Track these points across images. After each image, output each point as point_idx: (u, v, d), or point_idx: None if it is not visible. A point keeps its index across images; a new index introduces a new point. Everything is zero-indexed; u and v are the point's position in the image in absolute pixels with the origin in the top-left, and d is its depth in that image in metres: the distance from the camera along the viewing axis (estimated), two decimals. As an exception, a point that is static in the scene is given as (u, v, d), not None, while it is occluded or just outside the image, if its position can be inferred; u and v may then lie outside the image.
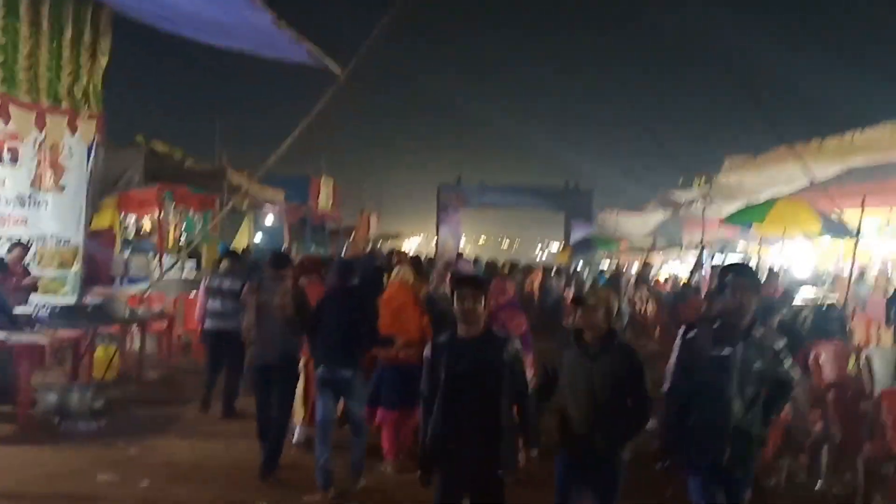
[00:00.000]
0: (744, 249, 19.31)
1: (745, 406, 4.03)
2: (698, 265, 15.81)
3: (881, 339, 11.40)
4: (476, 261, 22.46)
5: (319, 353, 5.97)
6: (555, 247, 72.52)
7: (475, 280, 4.40)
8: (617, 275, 19.20)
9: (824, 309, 11.55)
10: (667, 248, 23.92)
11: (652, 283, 20.29)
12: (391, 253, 12.57)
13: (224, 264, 9.07)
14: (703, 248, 19.78)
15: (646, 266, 23.30)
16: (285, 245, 22.02)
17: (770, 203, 14.00)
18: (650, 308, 15.97)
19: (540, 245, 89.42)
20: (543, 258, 57.88)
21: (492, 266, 18.01)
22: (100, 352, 9.51)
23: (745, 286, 4.17)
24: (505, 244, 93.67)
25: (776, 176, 19.97)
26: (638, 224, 33.12)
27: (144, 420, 8.08)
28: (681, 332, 4.38)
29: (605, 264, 26.99)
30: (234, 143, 21.92)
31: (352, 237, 27.20)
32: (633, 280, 19.26)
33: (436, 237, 40.22)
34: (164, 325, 10.62)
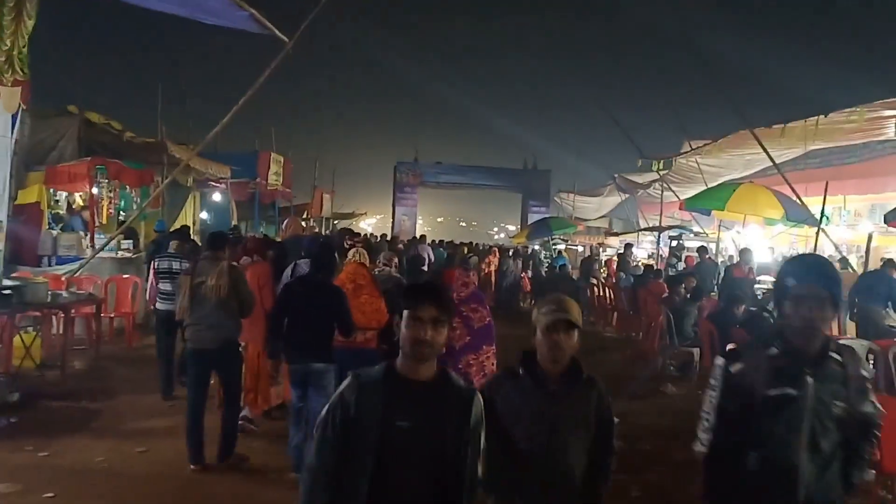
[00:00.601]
0: (701, 233, 19.03)
1: (820, 466, 2.74)
2: (678, 250, 15.44)
3: (844, 331, 11.12)
4: (439, 245, 21.85)
5: (290, 346, 5.71)
6: (511, 228, 72.61)
7: (437, 294, 2.77)
8: (590, 259, 18.70)
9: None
10: (624, 232, 23.58)
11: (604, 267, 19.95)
12: (343, 231, 11.89)
13: (173, 245, 8.80)
14: (660, 233, 19.60)
15: (601, 248, 23.05)
16: (233, 223, 21.18)
17: (730, 187, 13.65)
18: (607, 293, 15.54)
19: (496, 226, 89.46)
20: (500, 239, 57.62)
21: (454, 252, 17.46)
22: (18, 339, 8.69)
23: (815, 297, 2.71)
24: (463, 224, 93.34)
25: (733, 160, 19.84)
26: (594, 206, 32.97)
27: (62, 415, 7.33)
28: (719, 363, 2.91)
29: (560, 246, 26.67)
30: (178, 117, 20.88)
31: (304, 215, 26.38)
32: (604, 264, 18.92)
33: (392, 217, 39.56)
34: (93, 309, 9.81)
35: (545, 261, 23.03)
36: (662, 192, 21.53)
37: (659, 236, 20.75)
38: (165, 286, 8.27)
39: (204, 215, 19.75)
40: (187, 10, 10.63)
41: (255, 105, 12.70)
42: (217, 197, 19.62)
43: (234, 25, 10.77)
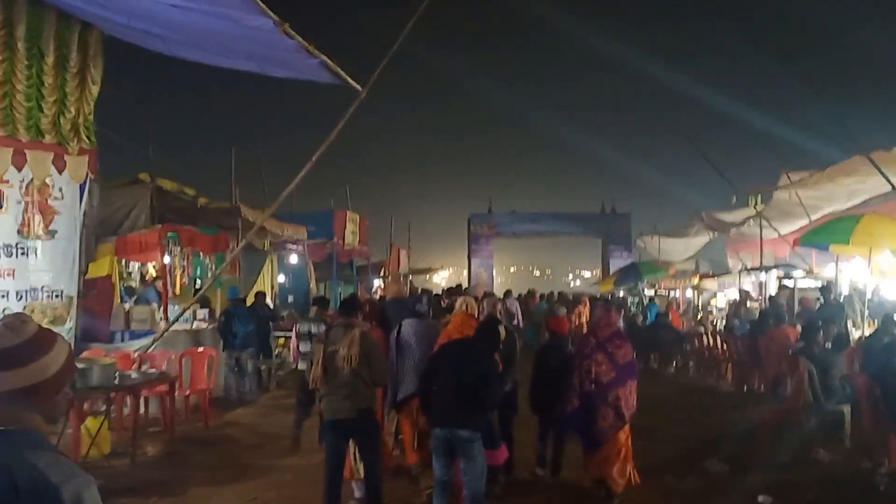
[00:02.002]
0: (810, 271, 17.27)
1: None
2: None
3: None
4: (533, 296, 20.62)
5: (436, 411, 5.47)
6: (587, 275, 70.54)
7: None
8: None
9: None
10: (720, 273, 21.89)
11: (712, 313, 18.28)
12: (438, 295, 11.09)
13: (313, 311, 9.99)
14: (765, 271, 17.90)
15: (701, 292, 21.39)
16: (311, 285, 20.51)
17: (852, 219, 12.09)
18: (717, 342, 14.00)
19: (571, 273, 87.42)
20: (576, 286, 55.90)
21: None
22: (88, 424, 7.90)
23: None
24: (536, 273, 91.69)
25: (836, 191, 18.12)
26: (680, 248, 31.18)
27: (130, 514, 6.43)
28: None
29: (649, 292, 25.08)
30: (253, 180, 20.47)
31: (381, 273, 25.62)
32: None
33: (467, 269, 38.52)
34: (165, 387, 9.00)
35: (633, 308, 21.56)
36: (761, 228, 19.86)
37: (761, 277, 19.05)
38: (305, 346, 9.08)
39: (281, 279, 19.15)
40: (255, 63, 10.00)
41: (329, 162, 11.95)
42: (294, 259, 19.01)
43: (304, 77, 10.06)
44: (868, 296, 12.53)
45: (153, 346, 10.38)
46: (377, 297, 21.38)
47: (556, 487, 7.19)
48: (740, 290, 16.50)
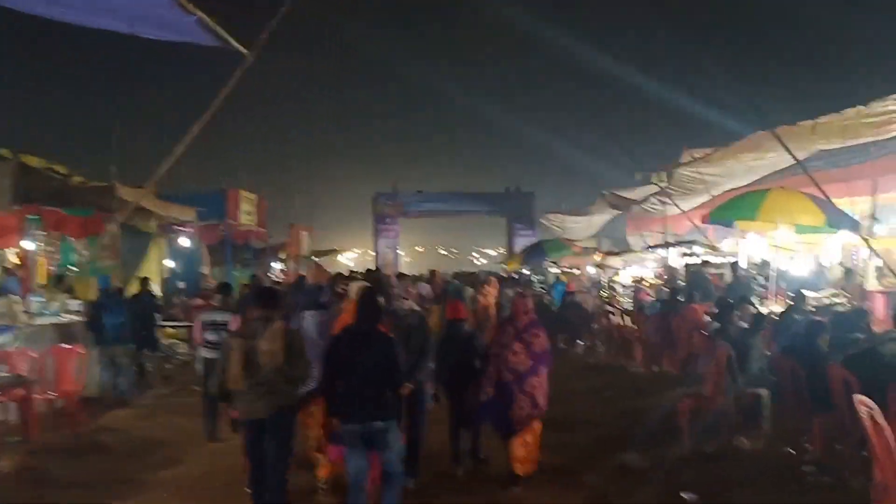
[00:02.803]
0: (711, 246, 17.23)
1: None
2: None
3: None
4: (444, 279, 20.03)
5: (344, 404, 5.19)
6: (492, 254, 70.64)
7: None
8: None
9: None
10: (626, 251, 21.79)
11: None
12: (336, 277, 10.19)
13: (217, 300, 8.76)
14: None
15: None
16: (205, 269, 19.16)
17: (760, 194, 11.89)
18: (626, 321, 13.64)
19: (477, 253, 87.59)
20: (481, 265, 55.80)
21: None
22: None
23: None
24: (443, 252, 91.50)
25: (735, 168, 18.17)
26: (583, 226, 31.19)
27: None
28: None
29: (554, 270, 24.84)
30: (139, 156, 18.85)
31: (282, 255, 24.40)
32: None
33: (374, 250, 37.56)
34: (22, 392, 7.77)
35: (536, 285, 21.19)
36: (665, 205, 19.78)
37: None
38: (212, 336, 7.96)
39: (171, 263, 17.72)
40: (124, 22, 8.73)
41: (222, 139, 10.79)
42: (185, 242, 17.59)
43: (182, 38, 8.87)
44: (772, 272, 12.41)
45: (14, 344, 9.08)
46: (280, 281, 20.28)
47: (475, 479, 6.76)
48: (668, 267, 16.07)
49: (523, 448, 6.32)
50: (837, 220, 11.33)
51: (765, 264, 14.55)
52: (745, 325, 8.47)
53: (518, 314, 6.42)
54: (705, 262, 15.50)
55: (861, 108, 10.73)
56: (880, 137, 14.66)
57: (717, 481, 6.52)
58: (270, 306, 5.43)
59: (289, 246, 24.12)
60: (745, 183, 19.13)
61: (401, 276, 20.03)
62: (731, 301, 9.41)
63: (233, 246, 19.55)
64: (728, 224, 13.24)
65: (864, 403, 5.05)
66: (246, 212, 19.65)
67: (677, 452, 7.26)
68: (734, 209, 12.27)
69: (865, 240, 13.60)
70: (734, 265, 12.38)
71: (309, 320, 6.52)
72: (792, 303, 9.85)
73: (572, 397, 9.91)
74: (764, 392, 7.86)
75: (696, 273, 13.82)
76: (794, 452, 7.12)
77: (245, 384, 5.23)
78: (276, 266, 24.52)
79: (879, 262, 12.01)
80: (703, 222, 12.80)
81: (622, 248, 26.00)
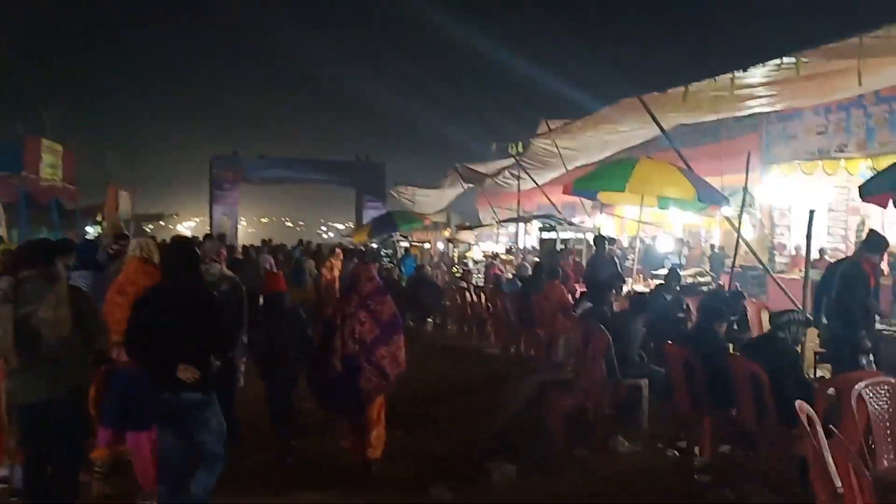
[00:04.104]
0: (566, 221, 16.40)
1: None
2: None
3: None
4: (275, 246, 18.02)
5: (154, 373, 4.41)
6: (340, 227, 68.66)
7: None
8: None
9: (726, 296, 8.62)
10: (480, 224, 20.70)
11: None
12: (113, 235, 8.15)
13: None
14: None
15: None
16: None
17: (628, 164, 10.91)
18: (480, 298, 12.35)
19: (325, 226, 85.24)
20: (329, 239, 53.81)
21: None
22: None
23: None
24: (289, 224, 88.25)
25: (590, 142, 17.51)
26: (433, 199, 30.08)
27: None
28: None
29: (403, 244, 23.46)
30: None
31: (98, 217, 21.40)
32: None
33: (210, 218, 34.60)
34: None
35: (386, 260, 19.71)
36: (519, 178, 18.86)
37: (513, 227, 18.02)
38: None
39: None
40: None
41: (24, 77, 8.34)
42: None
43: None
44: (638, 247, 11.55)
45: None
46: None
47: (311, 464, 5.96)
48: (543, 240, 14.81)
49: (375, 429, 5.85)
50: (707, 194, 10.55)
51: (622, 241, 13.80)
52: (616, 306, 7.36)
53: (360, 281, 5.95)
54: (545, 240, 14.53)
55: (738, 73, 9.93)
56: (741, 113, 14.26)
57: (601, 493, 5.30)
58: (47, 260, 4.51)
59: (106, 207, 21.12)
60: (599, 159, 18.57)
61: (271, 246, 18.04)
62: (603, 278, 8.28)
63: (32, 204, 16.57)
64: (591, 196, 12.23)
65: (802, 410, 3.91)
66: (49, 165, 16.69)
67: (553, 458, 5.98)
68: (600, 179, 11.28)
69: (728, 220, 13.10)
70: (598, 239, 11.36)
71: (80, 283, 5.52)
72: (663, 282, 8.86)
73: (424, 387, 8.47)
74: (644, 383, 6.75)
75: (551, 251, 12.70)
76: (678, 455, 6.04)
77: (19, 362, 4.39)
78: (92, 230, 21.46)
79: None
80: (565, 193, 11.71)
81: (472, 224, 25.05)
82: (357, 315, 5.77)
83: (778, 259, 17.18)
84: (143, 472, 5.09)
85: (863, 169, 15.72)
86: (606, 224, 18.54)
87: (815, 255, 14.41)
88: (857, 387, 4.21)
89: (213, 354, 4.54)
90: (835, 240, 18.02)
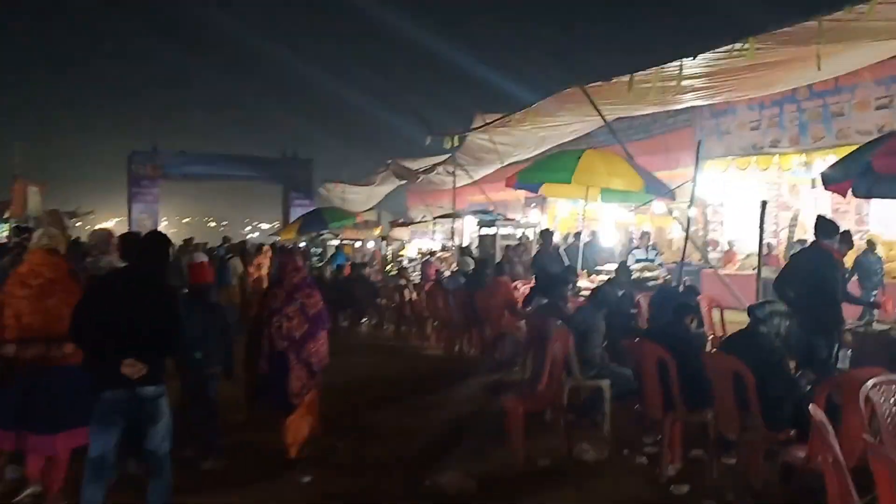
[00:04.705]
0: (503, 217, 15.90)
1: None
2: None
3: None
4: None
5: (105, 368, 4.02)
6: (265, 227, 66.76)
7: None
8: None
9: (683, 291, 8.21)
10: (417, 221, 20.05)
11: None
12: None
13: None
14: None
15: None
16: None
17: (572, 155, 10.44)
18: (420, 296, 11.69)
19: (249, 226, 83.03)
20: (255, 238, 52.25)
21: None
22: None
23: None
24: (212, 224, 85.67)
25: (526, 137, 17.11)
26: (364, 197, 29.24)
27: None
28: None
29: (334, 242, 22.59)
30: None
31: (3, 215, 19.82)
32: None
33: (128, 216, 32.85)
34: None
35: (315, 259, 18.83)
36: (455, 174, 18.31)
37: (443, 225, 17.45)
38: None
39: None
40: None
41: None
42: None
43: None
44: (582, 242, 11.10)
45: None
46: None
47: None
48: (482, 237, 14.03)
49: (298, 427, 5.53)
50: (655, 186, 10.20)
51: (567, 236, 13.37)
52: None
53: (286, 273, 5.66)
54: (484, 236, 13.94)
55: (687, 60, 9.55)
56: (685, 104, 14.01)
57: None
58: None
59: (12, 204, 19.54)
60: (534, 154, 18.17)
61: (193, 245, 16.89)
62: (555, 272, 7.75)
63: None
64: (534, 189, 11.73)
65: (817, 416, 3.40)
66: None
67: (512, 470, 5.37)
68: (545, 170, 10.79)
69: (671, 211, 12.80)
70: (544, 234, 10.85)
71: None
72: (614, 275, 8.39)
73: (362, 390, 7.77)
74: (605, 384, 6.23)
75: (509, 247, 12.08)
76: (647, 462, 5.52)
77: None
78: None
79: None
80: (508, 186, 11.15)
81: (405, 221, 24.37)
82: (284, 310, 5.49)
83: (711, 255, 17.06)
84: (50, 473, 4.68)
85: (795, 164, 15.85)
86: (540, 221, 18.18)
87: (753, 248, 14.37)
88: (865, 386, 3.73)
89: (166, 350, 4.26)
90: (766, 235, 18.20)
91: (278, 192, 36.20)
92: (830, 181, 7.12)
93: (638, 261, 10.01)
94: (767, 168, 16.11)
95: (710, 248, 17.85)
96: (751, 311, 4.96)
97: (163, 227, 39.08)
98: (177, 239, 28.27)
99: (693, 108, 16.06)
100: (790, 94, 14.92)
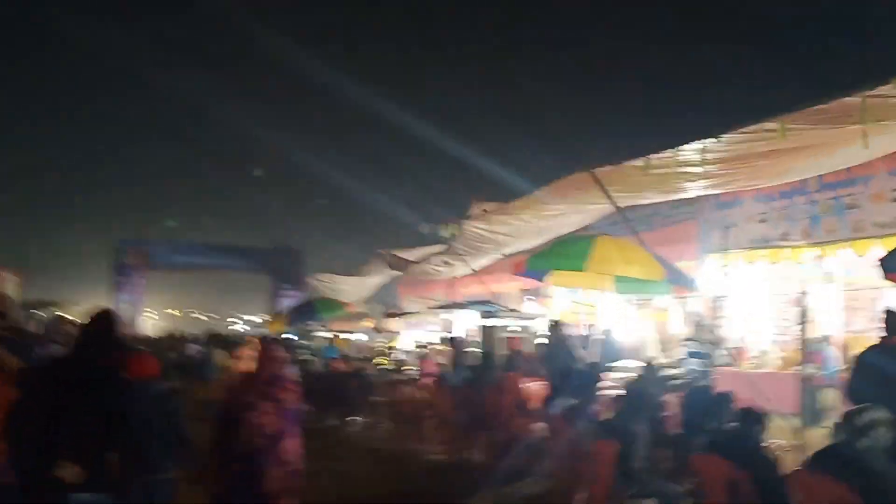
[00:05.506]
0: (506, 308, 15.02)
1: None
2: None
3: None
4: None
5: (38, 466, 3.50)
6: (256, 320, 65.42)
7: None
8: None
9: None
10: (410, 312, 19.14)
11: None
12: None
13: None
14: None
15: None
16: None
17: (583, 241, 9.69)
18: (417, 393, 10.62)
19: (236, 318, 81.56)
20: (244, 329, 51.02)
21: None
22: None
23: None
24: (198, 317, 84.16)
25: (524, 227, 16.48)
26: (355, 288, 28.36)
27: None
28: None
29: (324, 334, 21.57)
30: None
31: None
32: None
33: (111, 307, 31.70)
34: None
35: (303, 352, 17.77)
36: (449, 266, 17.50)
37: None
38: None
39: None
40: None
41: None
42: None
43: None
44: (598, 336, 10.19)
45: None
46: None
47: None
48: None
49: None
50: (676, 276, 9.40)
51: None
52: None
53: (264, 363, 5.20)
54: (487, 328, 13.02)
55: (710, 141, 8.91)
56: (711, 191, 13.36)
57: None
58: None
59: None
60: (533, 245, 17.48)
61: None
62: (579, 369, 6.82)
63: None
64: (540, 277, 10.87)
65: None
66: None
67: None
68: (556, 256, 9.98)
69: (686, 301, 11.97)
70: (553, 326, 9.94)
71: None
72: (643, 373, 7.46)
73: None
74: (651, 504, 5.20)
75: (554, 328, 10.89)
76: None
77: None
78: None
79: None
80: (516, 273, 10.33)
81: (398, 312, 23.42)
82: (258, 405, 4.98)
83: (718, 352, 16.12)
84: None
85: (808, 258, 15.19)
86: (535, 312, 17.32)
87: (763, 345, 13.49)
88: None
89: (115, 447, 3.67)
90: (775, 332, 17.33)
91: (266, 283, 35.30)
92: (891, 270, 6.37)
93: (692, 356, 9.01)
94: (778, 261, 15.43)
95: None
96: (847, 419, 4.04)
97: (148, 317, 37.88)
98: (160, 331, 27.15)
99: (697, 199, 15.53)
100: (799, 185, 14.41)
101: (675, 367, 9.14)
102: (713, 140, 8.75)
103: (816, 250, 14.51)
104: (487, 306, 13.80)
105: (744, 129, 8.36)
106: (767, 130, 8.12)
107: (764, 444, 4.70)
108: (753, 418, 4.69)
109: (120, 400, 3.71)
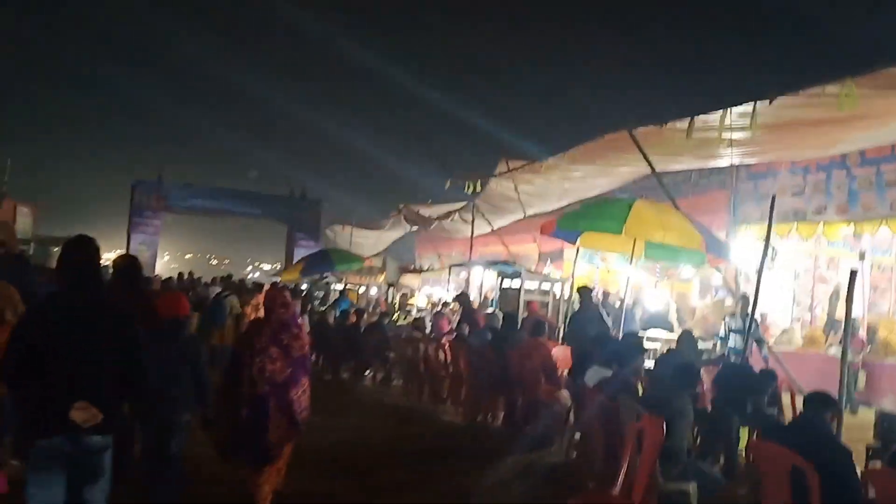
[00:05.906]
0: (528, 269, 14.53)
1: None
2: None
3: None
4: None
5: (46, 412, 3.36)
6: (266, 267, 65.23)
7: None
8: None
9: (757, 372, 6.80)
10: (429, 269, 18.69)
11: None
12: None
13: None
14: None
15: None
16: None
17: (622, 204, 9.15)
18: (437, 352, 10.21)
19: (251, 265, 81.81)
20: (256, 278, 50.94)
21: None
22: None
23: None
24: (214, 261, 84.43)
25: (550, 187, 15.96)
26: (372, 241, 27.98)
27: None
28: None
29: (338, 286, 21.22)
30: None
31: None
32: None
33: (126, 246, 31.47)
34: None
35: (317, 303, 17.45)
36: (473, 222, 17.06)
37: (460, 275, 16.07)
38: None
39: None
40: None
41: None
42: None
43: None
44: (628, 302, 9.71)
45: None
46: None
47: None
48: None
49: (271, 481, 5.02)
50: (715, 245, 8.88)
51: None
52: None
53: (273, 308, 5.09)
54: (506, 289, 12.43)
55: (762, 103, 8.29)
56: (751, 160, 12.77)
57: None
58: None
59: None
60: (556, 207, 16.96)
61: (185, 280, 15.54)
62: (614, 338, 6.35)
63: None
64: (572, 238, 10.34)
65: None
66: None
67: None
68: (591, 218, 9.49)
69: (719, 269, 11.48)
70: (583, 291, 9.47)
71: None
72: (682, 344, 6.99)
73: (376, 471, 6.28)
74: (692, 488, 4.77)
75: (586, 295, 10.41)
76: None
77: None
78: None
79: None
80: (545, 233, 9.84)
81: (414, 268, 23.02)
82: (268, 350, 4.91)
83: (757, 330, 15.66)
84: None
85: (842, 234, 14.57)
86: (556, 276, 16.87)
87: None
88: None
89: (126, 390, 3.54)
90: (801, 309, 16.80)
91: (283, 231, 34.93)
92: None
93: (733, 332, 8.54)
94: (811, 237, 14.80)
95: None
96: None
97: (164, 261, 37.78)
98: (174, 273, 26.91)
99: (729, 168, 14.90)
100: (839, 158, 13.74)
101: (710, 341, 8.64)
102: (765, 103, 8.17)
103: (852, 226, 13.92)
104: (507, 266, 13.31)
105: (803, 92, 7.77)
106: (828, 95, 7.53)
107: (833, 433, 4.23)
108: (821, 402, 4.21)
109: (133, 339, 3.53)
